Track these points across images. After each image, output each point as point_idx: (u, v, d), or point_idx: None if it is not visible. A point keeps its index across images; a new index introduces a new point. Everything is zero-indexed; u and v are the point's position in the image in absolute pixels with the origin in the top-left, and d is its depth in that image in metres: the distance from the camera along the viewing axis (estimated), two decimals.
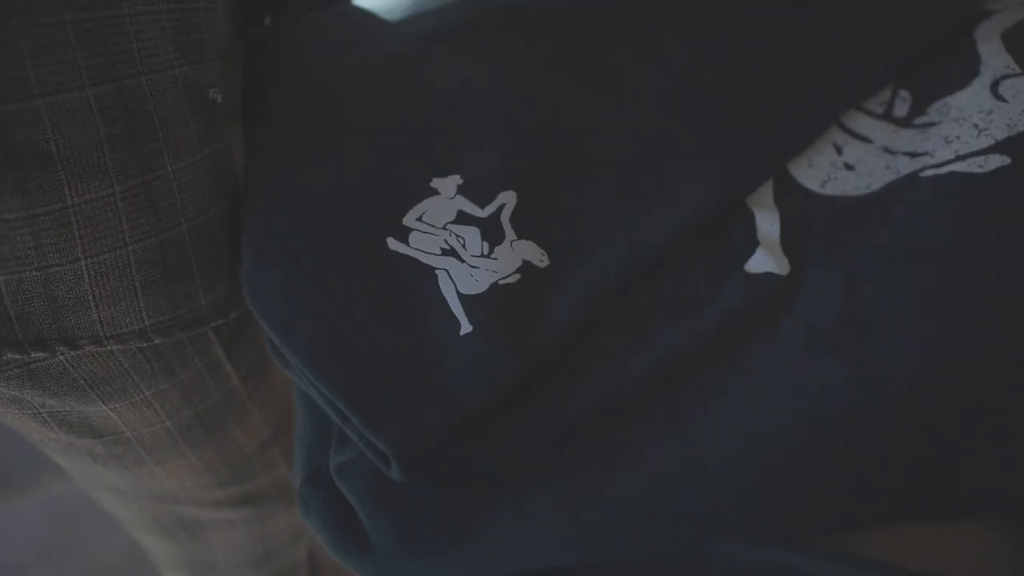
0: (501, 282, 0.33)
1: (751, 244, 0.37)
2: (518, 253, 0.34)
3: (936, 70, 0.45)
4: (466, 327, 0.31)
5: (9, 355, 0.32)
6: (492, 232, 0.34)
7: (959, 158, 0.39)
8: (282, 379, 0.48)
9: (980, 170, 0.38)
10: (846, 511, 0.30)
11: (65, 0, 0.28)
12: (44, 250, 0.31)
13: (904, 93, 0.44)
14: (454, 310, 0.32)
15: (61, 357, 0.34)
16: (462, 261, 0.33)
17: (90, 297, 0.33)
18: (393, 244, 0.34)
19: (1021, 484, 0.31)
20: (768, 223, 0.38)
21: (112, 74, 0.30)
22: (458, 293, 0.32)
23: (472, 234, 0.34)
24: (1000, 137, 0.39)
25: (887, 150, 0.42)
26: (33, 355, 0.33)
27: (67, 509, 0.77)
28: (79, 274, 0.32)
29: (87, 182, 0.31)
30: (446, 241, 0.34)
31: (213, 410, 0.42)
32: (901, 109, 0.44)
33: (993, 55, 0.44)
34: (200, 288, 0.36)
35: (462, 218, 0.35)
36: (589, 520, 0.28)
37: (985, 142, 0.40)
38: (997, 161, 0.38)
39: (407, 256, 0.34)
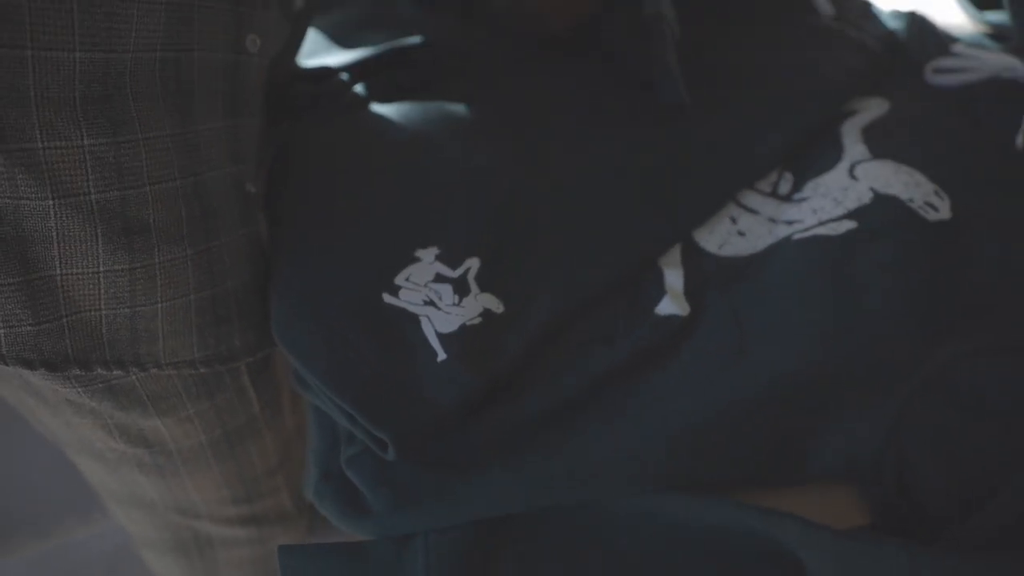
0: (468, 323, 0.44)
1: (660, 293, 0.48)
2: (480, 303, 0.45)
3: (811, 157, 0.57)
4: (442, 356, 0.43)
5: (98, 371, 0.43)
6: (461, 288, 0.46)
7: (820, 224, 0.51)
8: (288, 418, 0.59)
9: (834, 232, 0.50)
10: (732, 474, 0.40)
11: (169, 120, 0.41)
12: (136, 294, 0.42)
13: (788, 175, 0.57)
14: (433, 344, 0.43)
15: (133, 376, 0.45)
16: (439, 309, 0.45)
17: (159, 332, 0.44)
18: (388, 298, 0.45)
19: (858, 456, 0.41)
20: (675, 278, 0.49)
21: (192, 171, 0.43)
22: (436, 332, 0.44)
23: (446, 290, 0.46)
24: (851, 207, 0.52)
25: (771, 220, 0.54)
26: (114, 373, 0.44)
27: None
28: (155, 314, 0.43)
29: (171, 246, 0.43)
30: (427, 295, 0.46)
31: (237, 430, 0.53)
32: (784, 188, 0.56)
33: (853, 144, 0.57)
34: (237, 332, 0.48)
35: (439, 278, 0.46)
36: (537, 484, 0.38)
37: (840, 211, 0.52)
38: (847, 225, 0.50)
39: (398, 307, 0.45)
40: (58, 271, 0.40)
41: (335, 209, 0.50)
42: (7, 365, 0.41)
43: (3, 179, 0.38)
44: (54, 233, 0.39)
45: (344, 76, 0.62)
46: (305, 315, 0.44)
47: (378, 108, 0.59)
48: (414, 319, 0.44)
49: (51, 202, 0.39)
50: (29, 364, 0.41)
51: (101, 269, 0.41)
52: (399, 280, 0.46)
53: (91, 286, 0.41)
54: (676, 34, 0.59)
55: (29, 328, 0.40)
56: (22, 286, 0.40)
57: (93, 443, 0.50)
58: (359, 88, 0.61)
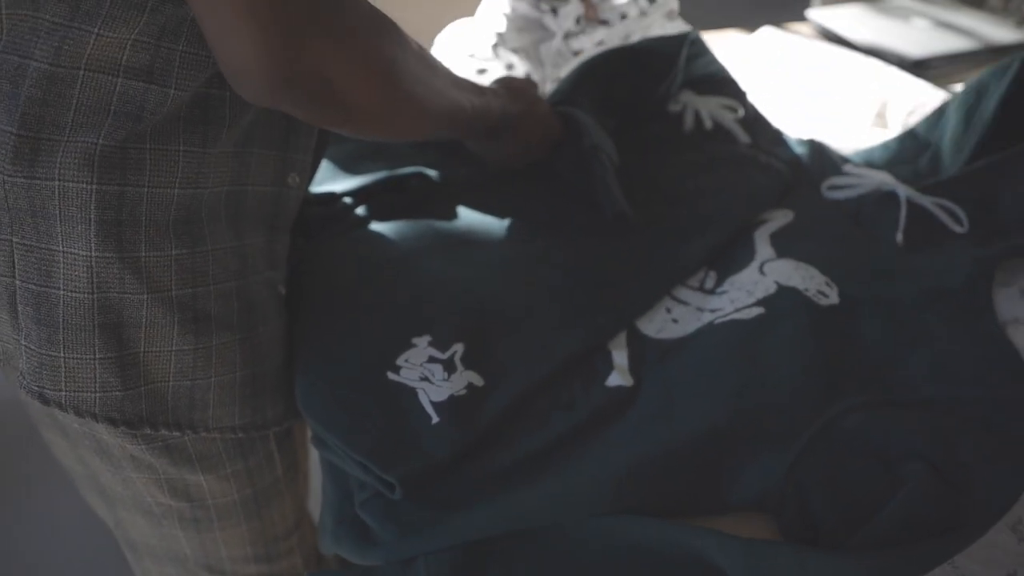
0: (455, 394, 0.55)
1: (609, 369, 0.60)
2: (465, 378, 0.57)
3: (730, 258, 0.71)
4: (435, 419, 0.53)
5: (162, 431, 0.53)
6: (449, 367, 0.57)
7: (736, 311, 0.64)
8: (302, 485, 0.69)
9: (747, 317, 0.63)
10: (668, 504, 0.50)
11: (228, 236, 0.55)
12: (196, 370, 0.54)
13: (712, 273, 0.70)
14: (428, 411, 0.54)
15: (186, 437, 0.55)
16: (432, 383, 0.56)
17: (210, 402, 0.55)
18: (391, 375, 0.57)
19: (767, 490, 0.52)
20: (621, 357, 0.61)
21: (242, 275, 0.56)
22: (430, 401, 0.55)
23: (437, 368, 0.57)
24: (760, 297, 0.64)
25: (698, 309, 0.66)
26: (172, 433, 0.54)
27: None
28: (209, 387, 0.54)
29: (224, 332, 0.55)
30: (422, 373, 0.57)
31: (264, 491, 0.63)
32: (709, 283, 0.69)
33: (763, 247, 0.71)
34: (269, 405, 0.59)
35: (431, 360, 0.58)
36: (514, 514, 0.48)
37: (751, 300, 0.64)
38: (757, 311, 0.63)
39: (399, 382, 0.56)
40: (142, 349, 0.52)
41: (346, 307, 0.62)
42: (97, 422, 0.52)
43: (116, 278, 0.50)
44: (144, 320, 0.51)
45: (349, 200, 0.75)
46: (324, 390, 0.55)
47: (378, 226, 0.72)
48: (412, 391, 0.55)
49: (145, 296, 0.51)
50: (114, 422, 0.52)
51: (173, 348, 0.53)
52: (399, 361, 0.58)
53: (164, 362, 0.53)
54: (615, 161, 0.74)
55: (118, 393, 0.52)
56: (116, 360, 0.51)
57: (144, 498, 0.60)
58: (361, 210, 0.75)
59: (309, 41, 0.43)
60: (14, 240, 0.49)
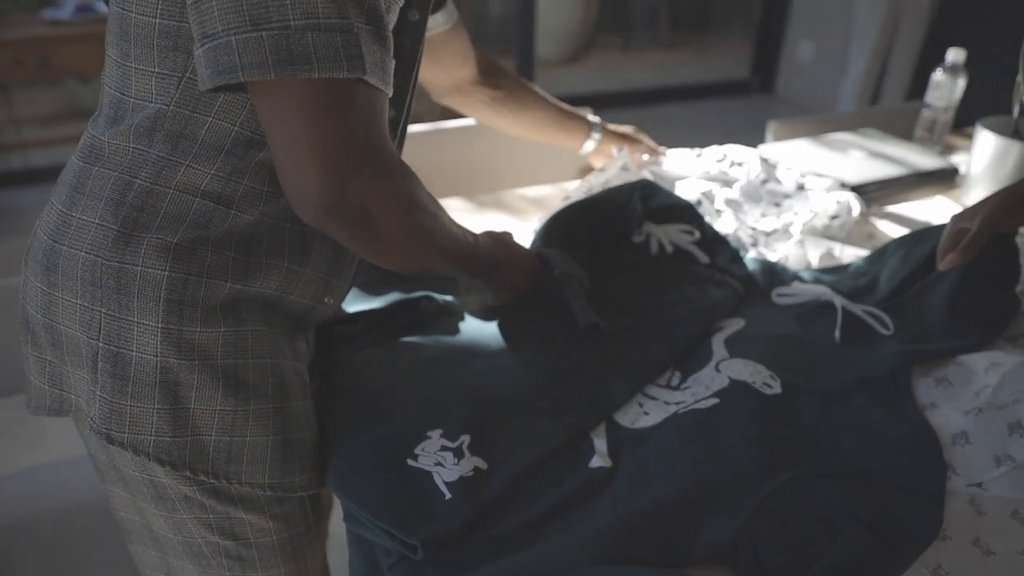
0: (464, 475, 0.67)
1: (591, 453, 0.72)
2: (472, 462, 0.69)
3: (692, 360, 0.84)
4: (448, 496, 0.65)
5: (201, 477, 0.66)
6: (459, 453, 0.69)
7: (696, 402, 0.76)
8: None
9: (705, 406, 0.75)
10: (643, 558, 0.61)
11: (266, 328, 0.69)
12: (234, 429, 0.66)
13: (677, 373, 0.83)
14: (442, 489, 0.65)
15: (223, 483, 0.67)
16: (444, 467, 0.68)
17: (244, 458, 0.67)
18: (410, 462, 0.68)
19: (723, 544, 0.62)
20: (601, 444, 0.73)
21: (276, 356, 0.69)
22: (443, 481, 0.66)
23: (448, 455, 0.69)
24: (716, 390, 0.77)
25: (665, 403, 0.79)
26: (210, 480, 0.67)
27: None
28: (244, 445, 0.67)
29: (260, 400, 0.68)
30: (436, 459, 0.69)
31: (299, 536, 0.75)
32: (675, 381, 0.82)
33: (719, 350, 0.84)
34: (297, 471, 0.71)
35: (443, 448, 0.70)
36: (516, 568, 0.59)
37: (709, 393, 0.77)
38: (713, 401, 0.76)
39: (416, 467, 0.68)
40: (192, 405, 0.65)
41: (372, 407, 0.75)
42: (149, 460, 0.64)
43: (175, 346, 0.64)
44: (195, 382, 0.65)
45: (365, 321, 0.89)
46: (356, 475, 0.67)
47: (395, 342, 0.86)
48: (428, 474, 0.67)
49: (197, 362, 0.65)
50: (162, 463, 0.65)
51: (217, 408, 0.66)
52: (417, 450, 0.70)
53: (209, 418, 0.66)
54: (585, 284, 0.88)
55: (168, 439, 0.65)
56: (170, 412, 0.65)
57: (195, 539, 0.70)
58: (377, 331, 0.88)
59: (354, 181, 0.59)
60: (102, 311, 0.64)
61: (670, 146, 1.33)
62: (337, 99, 0.57)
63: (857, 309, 0.90)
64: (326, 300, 0.75)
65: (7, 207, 2.96)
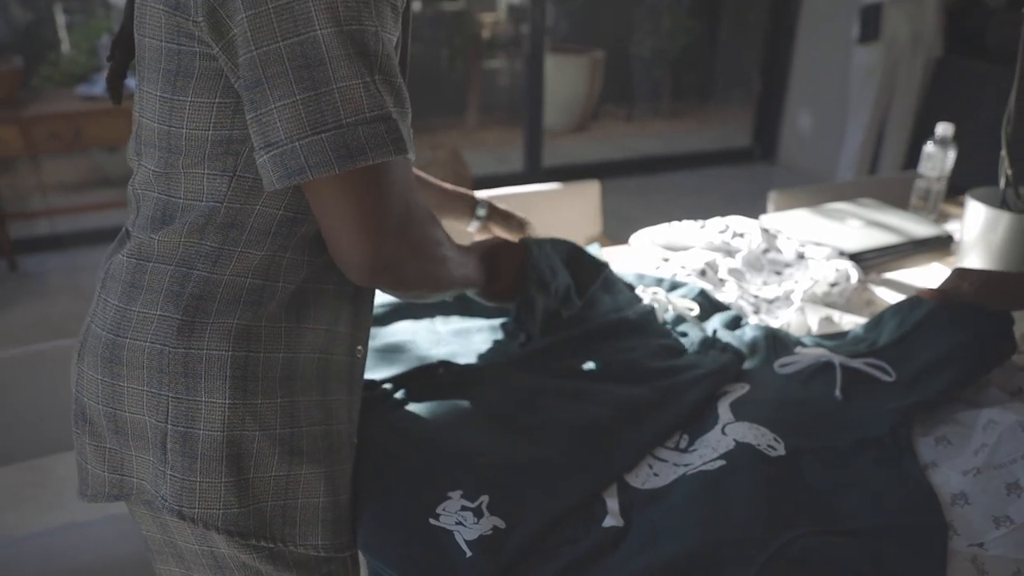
0: (483, 534, 0.70)
1: (604, 513, 0.75)
2: (491, 522, 0.72)
3: (699, 422, 0.88)
4: (469, 554, 0.68)
5: (263, 543, 0.70)
6: (478, 513, 0.73)
7: (704, 464, 0.80)
8: None
9: (712, 468, 0.79)
10: None
11: (316, 398, 0.73)
12: (288, 494, 0.70)
13: (685, 436, 0.86)
14: (462, 547, 0.69)
15: (278, 548, 0.71)
16: (465, 526, 0.71)
17: (298, 521, 0.71)
18: (432, 522, 0.72)
19: None
20: (613, 504, 0.77)
21: (326, 423, 0.74)
22: (464, 540, 0.69)
23: (468, 515, 0.73)
24: (722, 452, 0.81)
25: (674, 464, 0.82)
26: (268, 544, 0.70)
27: None
28: (297, 508, 0.71)
29: (312, 465, 0.72)
30: (457, 519, 0.72)
31: None
32: (683, 444, 0.85)
33: (725, 413, 0.88)
34: (345, 531, 0.75)
35: (463, 508, 0.73)
36: None
37: (716, 455, 0.81)
38: (720, 463, 0.79)
39: (439, 526, 0.71)
40: (252, 475, 0.69)
41: (395, 469, 0.79)
42: (219, 533, 0.68)
43: (239, 420, 0.68)
44: (255, 451, 0.69)
45: (389, 386, 0.93)
46: (381, 534, 0.71)
47: (414, 407, 0.90)
48: (450, 533, 0.70)
49: (257, 433, 0.69)
50: (231, 534, 0.68)
51: (273, 475, 0.70)
52: (439, 510, 0.73)
53: (266, 485, 0.70)
54: (558, 288, 1.00)
55: (235, 510, 0.69)
56: (236, 483, 0.69)
57: None
58: (400, 394, 0.92)
59: (397, 241, 0.67)
60: (170, 395, 0.69)
61: (675, 213, 1.39)
62: (383, 177, 0.65)
63: (857, 363, 0.94)
64: (358, 350, 0.80)
65: (33, 272, 3.05)
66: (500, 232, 1.19)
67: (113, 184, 3.63)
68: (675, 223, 1.37)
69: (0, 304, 2.76)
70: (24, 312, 2.72)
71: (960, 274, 1.00)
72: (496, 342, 1.04)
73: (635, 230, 1.39)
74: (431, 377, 0.96)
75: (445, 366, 0.97)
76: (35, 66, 3.05)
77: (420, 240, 0.71)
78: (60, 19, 3.99)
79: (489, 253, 0.98)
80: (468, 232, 1.24)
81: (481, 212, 1.17)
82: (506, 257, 0.99)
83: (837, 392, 0.91)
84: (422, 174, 1.23)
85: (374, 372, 0.96)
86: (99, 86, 2.70)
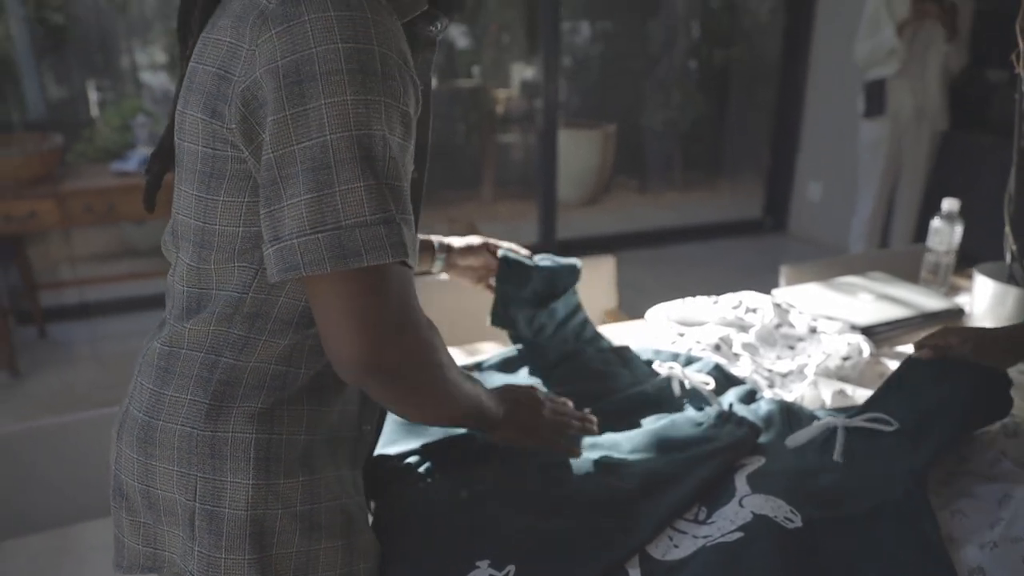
0: None
1: None
2: None
3: (717, 495, 0.90)
4: None
5: None
6: None
7: (722, 536, 0.82)
8: None
9: (730, 540, 0.81)
10: None
11: (334, 465, 0.77)
12: (308, 567, 0.74)
13: (703, 508, 0.89)
14: None
15: None
16: None
17: None
18: None
19: None
20: (636, 574, 0.79)
21: (342, 496, 0.77)
22: None
23: None
24: (740, 524, 0.83)
25: (694, 536, 0.84)
26: None
27: None
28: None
29: (330, 539, 0.75)
30: None
31: None
32: (701, 516, 0.88)
33: (742, 486, 0.90)
34: None
35: None
36: None
37: (734, 527, 0.83)
38: (738, 535, 0.81)
39: None
40: (274, 552, 0.73)
41: (423, 539, 0.81)
42: None
43: (263, 499, 0.72)
44: (277, 528, 0.73)
45: (415, 458, 0.97)
46: None
47: (439, 478, 0.93)
48: None
49: (280, 511, 0.73)
50: None
51: (294, 550, 0.73)
52: None
53: (287, 561, 0.73)
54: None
55: None
56: (258, 560, 0.72)
57: None
58: (425, 467, 0.96)
59: (390, 346, 0.66)
60: (198, 475, 0.73)
61: (689, 284, 1.43)
62: (378, 280, 0.66)
63: (858, 421, 0.97)
64: (364, 428, 0.84)
65: (60, 340, 3.12)
66: (469, 263, 1.19)
67: (139, 255, 3.74)
68: (689, 299, 1.41)
69: (29, 371, 2.83)
70: (50, 379, 2.79)
71: (946, 332, 1.03)
72: None
73: (649, 302, 1.43)
74: (456, 449, 0.99)
75: (469, 438, 1.00)
76: (70, 142, 3.19)
77: (415, 347, 0.69)
78: (93, 95, 4.18)
79: (505, 395, 0.95)
80: (441, 278, 1.24)
81: (441, 255, 1.16)
82: (525, 405, 0.95)
83: (836, 456, 0.94)
84: None
85: (399, 444, 1.00)
86: (132, 163, 2.81)
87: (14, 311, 2.99)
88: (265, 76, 0.64)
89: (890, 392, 1.05)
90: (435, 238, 1.19)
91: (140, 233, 3.70)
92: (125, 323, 3.21)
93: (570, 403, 1.00)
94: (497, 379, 1.16)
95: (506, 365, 1.21)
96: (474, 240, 1.21)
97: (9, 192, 2.61)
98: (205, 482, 0.73)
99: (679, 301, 1.40)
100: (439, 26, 0.79)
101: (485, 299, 1.24)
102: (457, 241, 1.21)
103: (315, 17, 0.63)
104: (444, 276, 1.21)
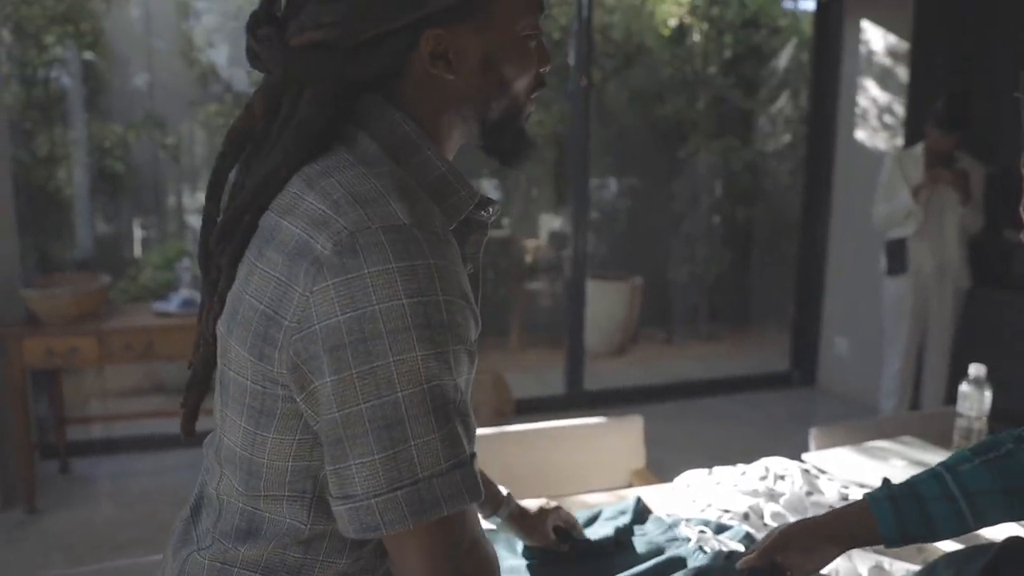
0: None
1: None
2: None
3: None
4: None
5: None
6: None
7: None
8: None
9: None
10: None
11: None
12: None
13: None
14: None
15: None
16: None
17: None
18: None
19: None
20: None
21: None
22: None
23: None
24: None
25: None
26: None
27: None
28: None
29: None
30: None
31: None
32: None
33: None
34: None
35: None
36: None
37: None
38: None
39: None
40: None
41: None
42: None
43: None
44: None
45: None
46: None
47: None
48: None
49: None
50: None
51: None
52: None
53: None
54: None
55: None
56: None
57: None
58: None
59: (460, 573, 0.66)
60: None
61: (717, 439, 1.42)
62: (456, 524, 0.66)
63: None
64: None
65: (83, 475, 3.11)
66: (513, 531, 1.09)
67: (167, 392, 3.78)
68: (716, 468, 1.39)
69: (48, 507, 2.80)
70: (70, 516, 2.75)
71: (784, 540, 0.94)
72: None
73: (677, 459, 1.42)
74: None
75: None
76: (114, 279, 3.31)
77: (484, 570, 0.68)
78: (137, 233, 4.38)
79: None
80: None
81: (503, 512, 1.07)
82: None
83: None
84: None
85: None
86: (173, 303, 2.90)
87: (40, 445, 3.00)
88: (324, 331, 0.63)
89: None
90: (503, 490, 1.09)
91: (167, 370, 3.76)
92: (149, 461, 3.20)
93: None
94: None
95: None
96: (540, 502, 1.13)
97: (56, 329, 2.69)
98: None
99: (704, 471, 1.39)
100: (491, 211, 0.81)
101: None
102: (524, 503, 1.12)
103: (376, 272, 0.62)
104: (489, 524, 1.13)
